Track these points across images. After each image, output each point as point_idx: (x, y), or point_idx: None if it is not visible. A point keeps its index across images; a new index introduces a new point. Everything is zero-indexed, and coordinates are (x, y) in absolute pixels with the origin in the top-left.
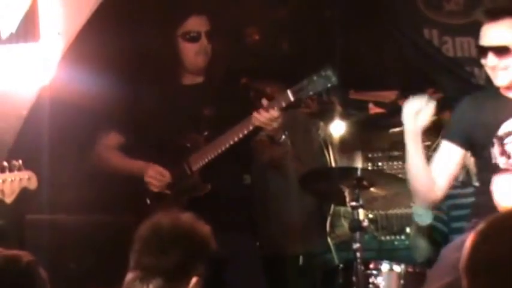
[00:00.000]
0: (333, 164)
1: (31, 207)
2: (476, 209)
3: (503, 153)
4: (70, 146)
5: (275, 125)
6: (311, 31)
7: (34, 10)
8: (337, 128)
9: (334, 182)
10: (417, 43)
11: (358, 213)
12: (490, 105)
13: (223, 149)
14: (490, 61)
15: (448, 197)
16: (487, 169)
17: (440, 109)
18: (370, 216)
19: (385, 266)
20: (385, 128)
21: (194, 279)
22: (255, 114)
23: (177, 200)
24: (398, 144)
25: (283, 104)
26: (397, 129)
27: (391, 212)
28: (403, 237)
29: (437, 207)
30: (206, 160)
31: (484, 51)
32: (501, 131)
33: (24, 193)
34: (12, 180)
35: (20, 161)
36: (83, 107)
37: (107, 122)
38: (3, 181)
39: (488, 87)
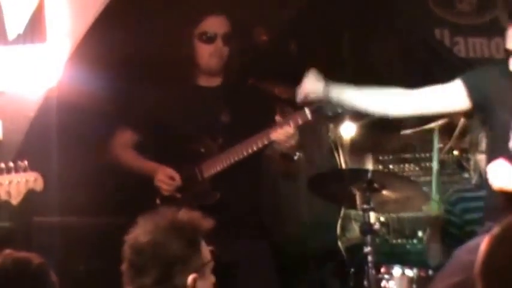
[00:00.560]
0: (343, 166)
1: (39, 209)
2: (488, 213)
3: None
4: (78, 147)
5: (292, 142)
6: (319, 31)
7: (41, 11)
8: (348, 129)
9: (344, 184)
10: (428, 43)
11: (369, 216)
12: None
13: (236, 159)
14: None
15: (460, 200)
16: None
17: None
18: (382, 219)
19: (397, 270)
20: (396, 129)
21: (190, 278)
22: (271, 130)
23: (186, 205)
24: (409, 146)
25: (300, 122)
26: (408, 131)
27: (402, 215)
28: (415, 240)
29: (448, 210)
30: (218, 168)
31: (509, 55)
32: None
33: (31, 195)
34: (18, 182)
35: (26, 162)
36: (90, 108)
37: (122, 120)
38: (9, 182)
39: None
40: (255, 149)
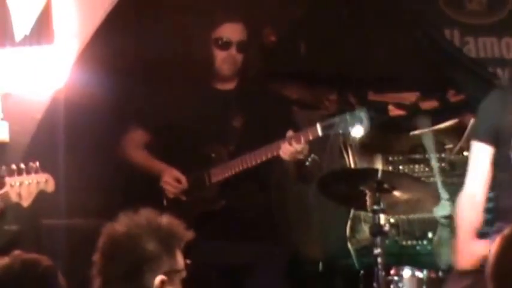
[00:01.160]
0: (353, 167)
1: (47, 211)
2: (498, 214)
3: None
4: (85, 149)
5: (301, 156)
6: (329, 31)
7: (48, 12)
8: (357, 130)
9: (354, 185)
10: (438, 43)
11: (379, 218)
12: None
13: (244, 167)
14: None
15: None
16: (507, 169)
17: (462, 111)
18: (392, 220)
19: (407, 272)
20: (406, 130)
21: (157, 280)
22: (282, 144)
23: (191, 209)
24: (419, 147)
25: (311, 137)
26: (418, 131)
27: (413, 216)
28: (425, 242)
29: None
30: (226, 175)
31: None
32: None
33: (40, 197)
34: (29, 183)
35: (37, 163)
36: (97, 109)
37: (134, 119)
38: (20, 184)
39: None
40: (263, 159)
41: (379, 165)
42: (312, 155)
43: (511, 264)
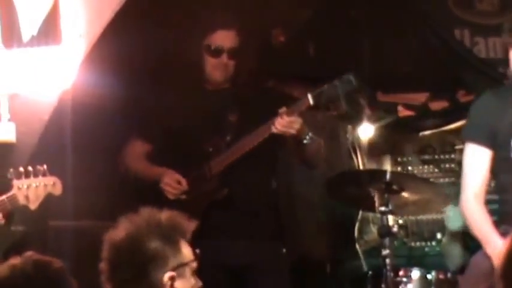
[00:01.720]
0: (361, 168)
1: (54, 213)
2: (504, 217)
3: None
4: (93, 150)
5: (294, 129)
6: (338, 32)
7: (55, 12)
8: (366, 131)
9: (362, 186)
10: (448, 44)
11: (387, 219)
12: None
13: (242, 152)
14: None
15: None
16: (508, 171)
17: None
18: (400, 221)
19: (415, 273)
20: (415, 131)
21: (166, 277)
22: (274, 121)
23: (196, 205)
24: (428, 148)
25: (303, 108)
26: (428, 132)
27: (421, 217)
28: (433, 243)
29: None
30: (227, 164)
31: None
32: None
33: (47, 199)
34: (36, 186)
35: (45, 166)
36: (105, 110)
37: (132, 130)
38: (28, 187)
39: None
40: (260, 140)
41: (388, 166)
42: (310, 134)
43: None
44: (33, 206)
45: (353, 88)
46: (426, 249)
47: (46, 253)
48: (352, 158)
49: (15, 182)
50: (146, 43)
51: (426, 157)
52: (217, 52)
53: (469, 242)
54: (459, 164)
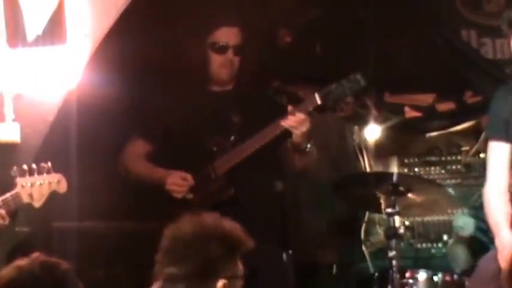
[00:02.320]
0: (368, 170)
1: (58, 214)
2: None
3: None
4: (97, 151)
5: (303, 128)
6: (345, 32)
7: (60, 12)
8: (372, 132)
9: (369, 187)
10: (455, 45)
11: (394, 220)
12: None
13: (249, 153)
14: None
15: None
16: None
17: (479, 113)
18: (407, 223)
19: (422, 275)
20: (422, 132)
21: (220, 283)
22: (282, 119)
23: (202, 205)
24: (435, 149)
25: (310, 108)
26: (434, 133)
27: (428, 219)
28: (440, 245)
29: (474, 215)
30: (232, 164)
31: None
32: None
33: (51, 200)
34: (41, 184)
35: (49, 163)
36: (110, 111)
37: (134, 129)
38: (32, 184)
39: None
40: (267, 140)
41: (394, 167)
42: (310, 145)
43: None
44: (37, 204)
45: (361, 88)
46: (433, 250)
47: (50, 254)
48: (358, 159)
49: (19, 180)
50: (151, 43)
51: (433, 158)
52: (222, 49)
53: (475, 245)
54: (465, 165)
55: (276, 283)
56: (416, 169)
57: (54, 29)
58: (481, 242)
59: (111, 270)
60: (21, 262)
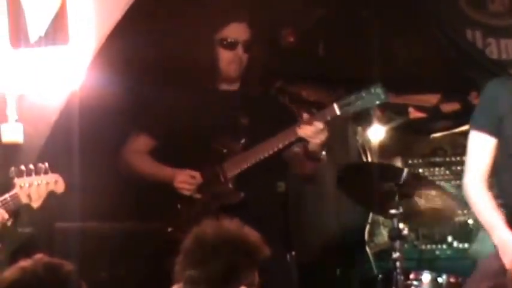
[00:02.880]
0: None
1: (60, 214)
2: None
3: None
4: (100, 153)
5: (322, 137)
6: (348, 32)
7: (63, 13)
8: (376, 133)
9: (374, 181)
10: (459, 44)
11: (398, 222)
12: None
13: (262, 157)
14: None
15: None
16: None
17: None
18: None
19: (426, 277)
20: (426, 133)
21: None
22: (299, 127)
23: (208, 206)
24: (439, 150)
25: (328, 118)
26: (439, 134)
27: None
28: (444, 246)
29: None
30: (243, 167)
31: None
32: None
33: (53, 200)
34: (38, 184)
35: (46, 164)
36: (113, 112)
37: (136, 124)
38: (30, 185)
39: None
40: (280, 146)
41: None
42: (324, 152)
43: None
44: (35, 204)
45: (382, 101)
46: (437, 252)
47: (52, 255)
48: (362, 160)
49: (17, 181)
50: (156, 42)
51: (437, 159)
52: (232, 45)
53: None
54: None
55: (280, 284)
56: (420, 170)
57: (57, 30)
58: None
59: (114, 271)
60: (25, 263)
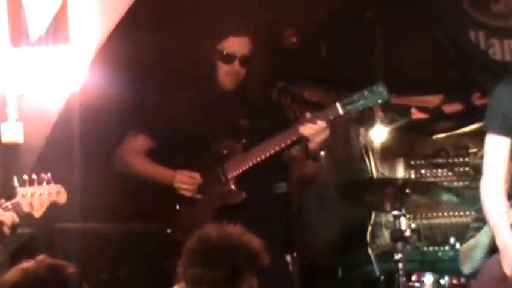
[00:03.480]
0: (374, 172)
1: (61, 215)
2: None
3: None
4: (100, 152)
5: (323, 136)
6: (351, 33)
7: (64, 12)
8: (379, 134)
9: (375, 193)
10: (462, 45)
11: (400, 223)
12: None
13: (263, 157)
14: None
15: None
16: None
17: None
18: (413, 226)
19: (428, 278)
20: (429, 134)
21: None
22: (301, 125)
23: (208, 207)
24: (442, 151)
25: (331, 117)
26: (442, 135)
27: (434, 221)
28: (447, 247)
29: (480, 218)
30: (245, 167)
31: None
32: None
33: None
34: (40, 194)
35: (49, 174)
36: (113, 111)
37: (135, 124)
38: (32, 194)
39: None
40: (283, 145)
41: (401, 169)
42: (323, 152)
43: None
44: (37, 214)
45: (385, 100)
46: (439, 253)
47: (52, 255)
48: (364, 162)
49: (19, 190)
50: (156, 43)
51: (440, 161)
52: (229, 59)
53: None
54: (473, 167)
55: (281, 286)
56: (423, 171)
57: (58, 29)
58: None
59: (115, 271)
60: (27, 264)
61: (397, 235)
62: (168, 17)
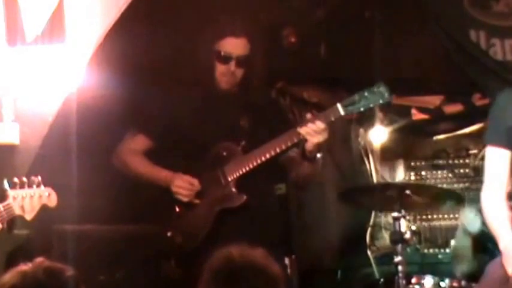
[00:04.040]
0: (374, 173)
1: (57, 217)
2: None
3: None
4: (97, 153)
5: (321, 138)
6: (350, 33)
7: (60, 12)
8: (378, 135)
9: (375, 197)
10: (463, 45)
11: (400, 225)
12: None
13: (263, 159)
14: None
15: None
16: None
17: (487, 115)
18: (413, 228)
19: (428, 281)
20: (429, 135)
21: None
22: (300, 126)
23: (208, 210)
24: (442, 152)
25: (332, 118)
26: (442, 136)
27: (434, 223)
28: (447, 250)
29: (482, 220)
30: (245, 170)
31: None
32: None
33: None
34: (31, 196)
35: (39, 177)
36: (110, 112)
37: (134, 124)
38: (23, 197)
39: None
40: (283, 147)
41: (401, 170)
42: (319, 155)
43: None
44: (28, 216)
45: (386, 101)
46: (439, 256)
47: (49, 257)
48: (364, 163)
49: (10, 192)
50: (154, 43)
51: (440, 162)
52: (225, 59)
53: (489, 244)
54: (474, 169)
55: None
56: (423, 173)
57: (54, 28)
58: (487, 248)
59: (113, 274)
60: (25, 267)
61: (397, 237)
62: (165, 17)
